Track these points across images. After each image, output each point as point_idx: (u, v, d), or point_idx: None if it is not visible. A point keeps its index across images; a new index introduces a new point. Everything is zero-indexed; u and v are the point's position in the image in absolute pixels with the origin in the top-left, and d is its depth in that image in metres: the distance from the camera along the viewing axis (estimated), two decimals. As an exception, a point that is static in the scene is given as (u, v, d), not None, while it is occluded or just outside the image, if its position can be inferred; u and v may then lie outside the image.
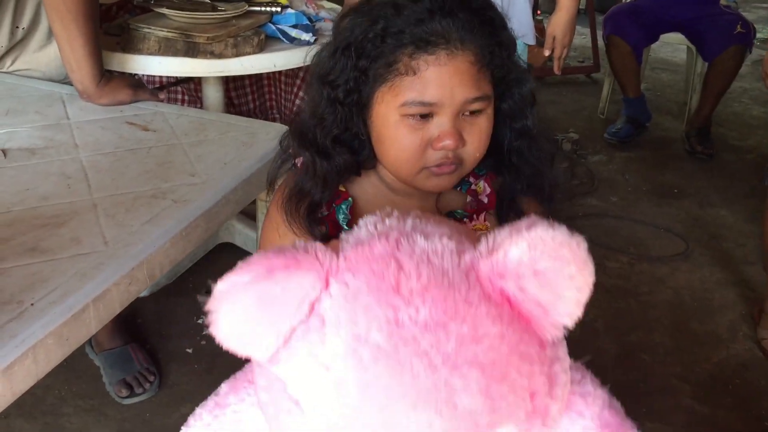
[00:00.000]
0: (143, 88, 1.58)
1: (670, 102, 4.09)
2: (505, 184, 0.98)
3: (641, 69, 3.56)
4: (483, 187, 0.99)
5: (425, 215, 0.71)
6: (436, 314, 0.60)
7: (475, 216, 0.97)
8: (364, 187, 0.98)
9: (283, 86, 2.93)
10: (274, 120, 2.99)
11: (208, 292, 1.92)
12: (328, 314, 0.62)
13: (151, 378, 1.93)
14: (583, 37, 4.79)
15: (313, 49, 0.97)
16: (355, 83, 0.89)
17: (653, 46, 3.69)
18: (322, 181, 0.93)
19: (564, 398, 0.67)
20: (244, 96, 2.94)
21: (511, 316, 0.63)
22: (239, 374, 0.82)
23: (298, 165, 0.98)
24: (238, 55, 1.90)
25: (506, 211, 0.97)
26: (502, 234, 0.64)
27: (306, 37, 1.99)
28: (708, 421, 1.92)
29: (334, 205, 0.96)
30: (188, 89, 2.85)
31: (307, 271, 0.62)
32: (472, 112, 0.88)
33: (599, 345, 2.18)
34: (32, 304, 0.93)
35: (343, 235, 0.70)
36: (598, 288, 2.00)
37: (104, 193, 1.19)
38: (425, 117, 0.86)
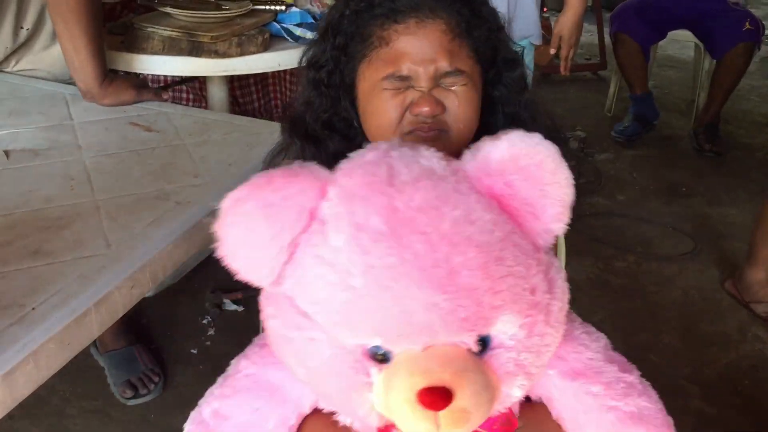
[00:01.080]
0: (147, 88, 1.57)
1: (677, 99, 4.06)
2: None
3: (648, 66, 3.54)
4: None
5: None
6: (429, 199, 0.64)
7: None
8: None
9: (288, 85, 2.92)
10: (278, 119, 2.98)
11: (213, 291, 1.92)
12: (327, 214, 0.66)
13: (156, 379, 1.92)
14: (590, 34, 4.76)
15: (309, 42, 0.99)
16: (335, 63, 0.91)
17: (660, 43, 3.66)
18: None
19: (565, 303, 0.70)
20: (249, 95, 2.93)
21: (502, 212, 0.67)
22: (248, 348, 0.85)
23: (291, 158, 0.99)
24: (242, 54, 1.89)
25: None
26: (484, 141, 0.69)
27: (311, 35, 1.97)
28: (717, 423, 1.90)
29: None
30: (193, 88, 2.84)
31: (304, 180, 0.66)
32: (451, 80, 0.88)
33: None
34: (34, 308, 0.92)
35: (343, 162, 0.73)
36: (606, 287, 1.98)
37: (107, 195, 1.18)
38: (404, 81, 0.88)
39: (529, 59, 2.66)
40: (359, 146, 0.94)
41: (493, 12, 0.93)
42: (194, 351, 2.08)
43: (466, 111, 0.90)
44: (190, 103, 2.88)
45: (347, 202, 0.66)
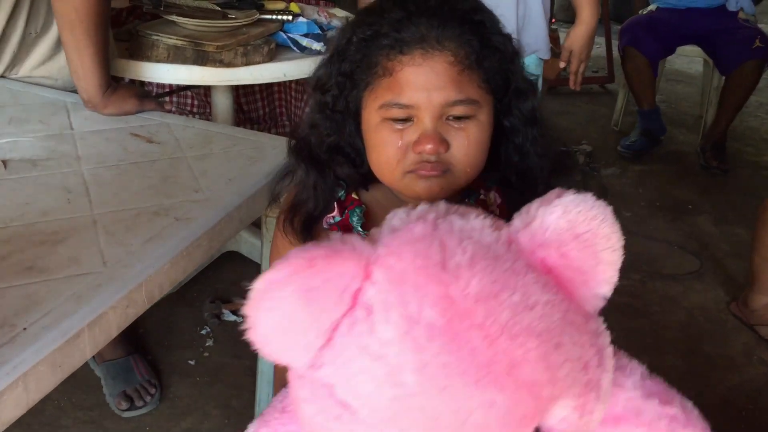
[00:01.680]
0: (149, 98, 1.55)
1: (685, 115, 4.03)
2: (510, 198, 0.95)
3: (656, 81, 3.52)
4: (493, 198, 0.96)
5: (451, 204, 0.71)
6: (486, 285, 0.60)
7: None
8: (376, 196, 0.96)
9: (293, 93, 2.90)
10: (283, 127, 2.96)
11: (213, 301, 1.89)
12: (374, 301, 0.60)
13: (152, 391, 1.90)
14: (598, 46, 4.72)
15: (319, 61, 0.96)
16: (340, 88, 0.89)
17: (668, 57, 3.64)
18: (313, 191, 0.93)
19: (611, 369, 0.67)
20: (254, 103, 2.91)
21: (556, 285, 0.63)
22: (268, 410, 0.80)
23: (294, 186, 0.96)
24: (247, 63, 1.87)
25: None
26: (534, 206, 0.65)
27: (317, 46, 1.95)
28: (720, 449, 1.87)
29: (347, 209, 0.94)
30: (198, 95, 2.82)
31: (346, 260, 0.61)
32: (458, 117, 0.85)
33: (609, 366, 2.13)
34: (25, 329, 0.90)
35: (373, 230, 0.69)
36: (609, 306, 1.94)
37: (105, 209, 1.16)
38: (405, 120, 0.85)
39: (537, 73, 2.64)
40: (365, 174, 0.92)
41: (506, 40, 0.89)
42: (192, 362, 2.06)
43: (474, 151, 0.86)
44: (195, 110, 2.87)
45: (398, 289, 0.60)
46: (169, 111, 2.87)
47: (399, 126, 0.85)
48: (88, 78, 1.42)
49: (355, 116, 0.90)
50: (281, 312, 0.59)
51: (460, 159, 0.86)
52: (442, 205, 0.68)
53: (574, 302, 0.64)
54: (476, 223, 0.65)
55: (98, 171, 1.27)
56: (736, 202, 3.09)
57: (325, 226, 0.94)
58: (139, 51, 1.83)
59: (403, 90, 0.83)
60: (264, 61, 1.89)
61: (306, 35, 1.96)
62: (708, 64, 3.59)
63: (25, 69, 1.65)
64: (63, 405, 1.89)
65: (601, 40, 4.40)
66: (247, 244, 2.42)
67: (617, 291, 2.34)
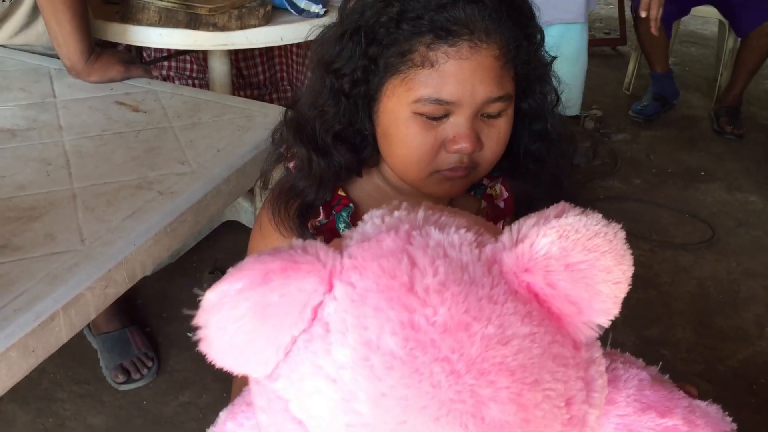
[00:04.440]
0: (135, 65, 1.49)
1: (698, 78, 3.92)
2: (521, 189, 0.88)
3: (670, 43, 3.41)
4: (499, 190, 0.89)
5: (438, 206, 0.64)
6: (456, 314, 0.53)
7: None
8: (366, 189, 0.88)
9: (294, 57, 2.82)
10: (285, 92, 2.89)
11: (212, 272, 1.82)
12: (332, 320, 0.55)
13: (149, 364, 1.86)
14: (610, 7, 4.61)
15: (319, 24, 0.86)
16: (363, 73, 0.79)
17: (683, 18, 3.52)
18: (318, 181, 0.84)
19: (602, 405, 0.60)
20: (254, 67, 2.83)
21: (541, 314, 0.56)
22: (237, 399, 0.75)
23: (291, 167, 0.88)
24: (242, 27, 1.79)
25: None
26: (528, 223, 0.57)
27: (316, 8, 1.87)
28: (730, 424, 1.82)
29: (333, 212, 0.86)
30: (196, 58, 2.74)
31: (308, 273, 0.55)
32: (492, 115, 0.78)
33: (616, 338, 2.04)
34: (-5, 312, 0.85)
35: (346, 232, 0.62)
36: None
37: (85, 183, 1.11)
38: (441, 106, 0.77)
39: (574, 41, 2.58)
40: (367, 159, 0.85)
41: (539, 28, 0.82)
42: (190, 334, 2.01)
43: (502, 148, 0.80)
44: (195, 74, 2.79)
45: (357, 310, 0.54)
46: (168, 76, 2.81)
47: (432, 121, 0.77)
48: (69, 44, 1.35)
49: (370, 101, 0.81)
50: (236, 331, 0.54)
51: (488, 157, 0.80)
52: (421, 213, 0.60)
53: (562, 332, 0.57)
54: (455, 238, 0.57)
55: (80, 142, 1.22)
56: (751, 169, 3.00)
57: (310, 230, 0.87)
58: (130, 14, 1.76)
59: (445, 84, 0.75)
60: (260, 25, 1.81)
61: (304, -3, 1.88)
62: (723, 25, 3.48)
63: (2, 38, 1.58)
64: (59, 378, 1.86)
65: (613, 1, 4.27)
66: (247, 213, 2.37)
67: (626, 263, 2.24)
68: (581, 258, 0.54)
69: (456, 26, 0.74)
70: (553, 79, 0.84)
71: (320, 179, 0.84)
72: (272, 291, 0.53)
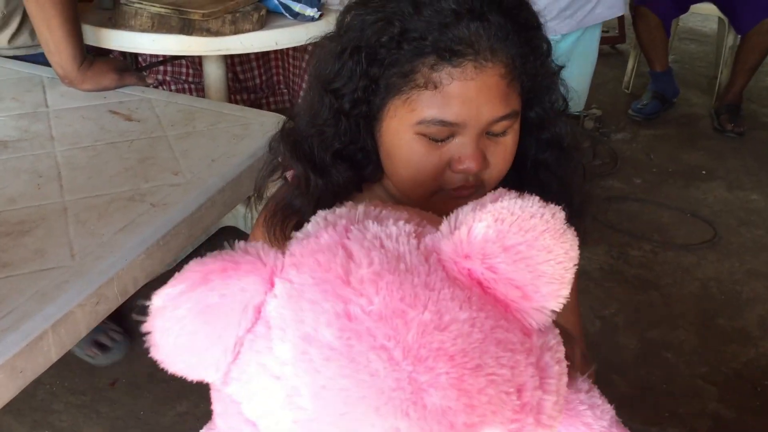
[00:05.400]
0: (129, 72, 1.46)
1: (698, 76, 3.90)
2: None
3: (669, 41, 3.39)
4: None
5: (384, 203, 0.64)
6: (391, 302, 0.54)
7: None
8: (368, 201, 0.86)
9: (291, 60, 2.79)
10: (281, 96, 2.86)
11: None
12: (273, 317, 0.56)
13: (119, 330, 1.91)
14: (608, 5, 4.58)
15: (315, 28, 0.83)
16: (364, 93, 0.77)
17: (682, 15, 3.50)
18: (315, 200, 0.81)
19: (561, 392, 0.60)
20: (250, 71, 2.81)
21: (484, 300, 0.57)
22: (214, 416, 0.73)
23: (288, 178, 0.85)
24: (236, 32, 1.77)
25: None
26: (465, 210, 0.58)
27: (311, 12, 1.85)
28: (733, 427, 1.81)
29: None
30: (192, 62, 2.72)
31: (248, 272, 0.56)
32: (502, 130, 0.76)
33: (618, 341, 2.07)
34: (-18, 332, 0.83)
35: (295, 233, 0.62)
36: (619, 278, 1.84)
37: (77, 195, 1.08)
38: (446, 127, 0.74)
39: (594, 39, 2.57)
40: (369, 176, 0.82)
41: (545, 39, 0.80)
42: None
43: (509, 162, 0.78)
44: (191, 79, 2.77)
45: (294, 304, 0.55)
46: (164, 80, 2.78)
47: (437, 142, 0.75)
48: (61, 51, 1.33)
49: (371, 119, 0.79)
50: (179, 332, 0.54)
51: (495, 175, 0.78)
52: (361, 208, 0.61)
53: (508, 318, 0.57)
54: (393, 229, 0.58)
55: (72, 152, 1.19)
56: (752, 167, 2.98)
57: None
58: (122, 20, 1.74)
59: (450, 105, 0.73)
60: (254, 29, 1.79)
61: (298, 0, 1.85)
62: (723, 22, 3.46)
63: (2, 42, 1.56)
64: (55, 389, 1.84)
65: (611, -1, 4.24)
66: (245, 218, 2.35)
67: (628, 262, 2.27)
68: (518, 239, 0.55)
69: (460, 46, 0.72)
70: (561, 87, 0.82)
71: (317, 198, 0.81)
72: (212, 291, 0.54)
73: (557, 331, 0.60)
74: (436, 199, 0.78)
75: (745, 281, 2.31)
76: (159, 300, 0.55)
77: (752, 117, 3.38)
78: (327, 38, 0.81)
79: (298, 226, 0.82)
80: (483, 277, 0.56)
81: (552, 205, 0.57)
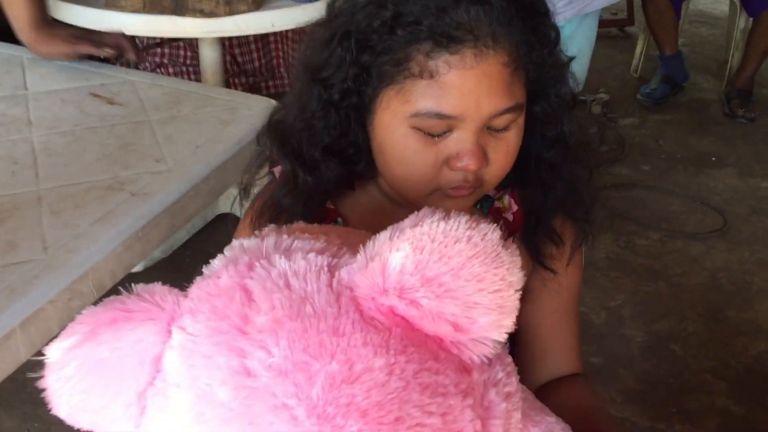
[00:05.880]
0: (85, 40, 1.41)
1: (708, 60, 3.82)
2: (533, 200, 0.80)
3: (679, 24, 3.31)
4: (507, 202, 0.81)
5: (306, 227, 0.59)
6: (293, 354, 0.48)
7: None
8: (360, 200, 0.80)
9: (291, 43, 2.73)
10: (281, 80, 2.80)
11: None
12: (169, 371, 0.51)
13: None
14: (616, -13, 4.49)
15: (314, 9, 0.77)
16: (355, 82, 0.71)
17: (693, -2, 3.43)
18: (304, 199, 0.76)
19: (514, 429, 0.54)
20: (249, 54, 2.74)
21: (408, 340, 0.50)
22: None
23: (276, 174, 0.80)
24: (231, 13, 1.71)
25: (536, 233, 0.79)
26: (382, 237, 0.51)
27: (307, -8, 1.78)
28: (743, 424, 1.76)
29: None
30: (190, 44, 2.66)
31: (141, 322, 0.51)
32: (505, 125, 0.70)
33: (624, 333, 2.01)
34: (-56, 331, 0.78)
35: (205, 268, 0.56)
36: (626, 268, 1.76)
37: (52, 184, 1.03)
38: (443, 120, 0.69)
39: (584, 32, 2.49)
40: (361, 172, 0.76)
41: (554, 26, 0.74)
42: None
43: (511, 161, 0.72)
44: (188, 61, 2.71)
45: (188, 359, 0.49)
46: (162, 63, 2.72)
47: (434, 137, 0.69)
48: (16, 7, 1.31)
49: (362, 111, 0.73)
50: (71, 391, 0.50)
51: (495, 173, 0.72)
52: (271, 239, 0.54)
53: (439, 356, 0.50)
54: (301, 264, 0.51)
55: (50, 138, 1.14)
56: (764, 154, 2.91)
57: None
58: (113, 1, 1.67)
59: (448, 97, 0.67)
60: (249, 10, 1.73)
61: (295, -21, 1.79)
62: (734, 4, 3.38)
63: None
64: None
65: (620, -19, 4.16)
66: (243, 205, 2.29)
67: (635, 251, 2.20)
68: (441, 269, 0.48)
69: (458, 32, 0.66)
70: (570, 80, 0.75)
71: (307, 196, 0.76)
72: (100, 345, 0.50)
73: (507, 359, 0.54)
74: (432, 199, 0.72)
75: (755, 271, 2.25)
76: (52, 355, 0.51)
77: (764, 102, 3.31)
78: (317, 24, 0.75)
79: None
80: (405, 314, 0.49)
81: (483, 225, 0.50)
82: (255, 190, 0.85)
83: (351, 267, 0.51)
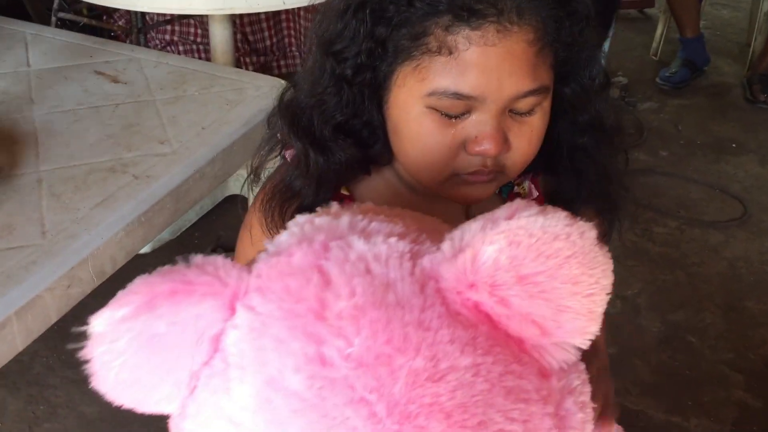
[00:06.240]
0: None
1: (730, 43, 3.73)
2: (560, 188, 0.76)
3: (701, 5, 3.23)
4: (528, 189, 0.77)
5: (377, 208, 0.54)
6: (375, 345, 0.45)
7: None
8: (376, 187, 0.76)
9: (302, 22, 2.68)
10: (293, 59, 2.75)
11: (215, 249, 1.68)
12: (232, 352, 0.47)
13: None
14: (636, -33, 4.40)
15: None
16: (369, 57, 0.67)
17: (715, -21, 3.34)
18: (315, 181, 0.72)
19: None
20: (260, 32, 2.69)
21: (492, 339, 0.47)
22: None
23: (287, 157, 0.76)
24: (240, -11, 1.66)
25: None
26: (473, 227, 0.47)
27: (320, -32, 1.73)
28: (761, 418, 1.72)
29: None
30: (201, 22, 2.61)
31: (202, 296, 0.47)
32: (529, 108, 0.66)
33: (640, 323, 1.97)
34: (-65, 319, 0.75)
35: (266, 244, 0.52)
36: (643, 257, 1.70)
37: (53, 165, 1.00)
38: (462, 100, 0.64)
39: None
40: (377, 155, 0.72)
41: (587, 3, 0.69)
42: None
43: (534, 147, 0.68)
44: (199, 39, 2.66)
45: (257, 341, 0.45)
46: (172, 41, 2.68)
47: (451, 119, 0.65)
48: None
49: (377, 87, 0.69)
50: (121, 366, 0.46)
51: (518, 160, 0.68)
52: (345, 219, 0.50)
53: (522, 359, 0.47)
54: (383, 248, 0.47)
55: (51, 117, 1.10)
56: (786, 140, 2.85)
57: None
58: (120, -24, 1.63)
59: (467, 75, 0.63)
60: (260, -14, 1.68)
61: (307, -45, 1.74)
62: (758, -14, 3.29)
63: None
64: (51, 362, 1.78)
65: (640, -39, 4.06)
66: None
67: (653, 240, 2.13)
68: (537, 268, 0.45)
69: (480, 5, 0.62)
70: (603, 61, 0.70)
71: (318, 179, 0.72)
72: (159, 319, 0.46)
73: (581, 366, 0.50)
74: (449, 184, 0.68)
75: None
76: (98, 325, 0.46)
77: (787, 87, 3.23)
78: None
79: (300, 210, 0.73)
80: (492, 312, 0.46)
81: (581, 223, 0.46)
82: (265, 174, 0.81)
83: (435, 255, 0.47)
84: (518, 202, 0.47)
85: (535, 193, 0.78)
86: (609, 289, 0.46)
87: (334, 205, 0.53)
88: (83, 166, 0.99)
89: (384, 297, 0.45)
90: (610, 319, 1.94)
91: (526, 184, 0.78)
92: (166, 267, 0.48)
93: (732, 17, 4.09)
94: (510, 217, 0.46)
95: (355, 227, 0.50)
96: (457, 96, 0.63)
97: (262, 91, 1.17)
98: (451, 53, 0.63)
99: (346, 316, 0.45)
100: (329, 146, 0.71)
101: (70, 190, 0.94)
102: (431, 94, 0.64)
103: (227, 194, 2.27)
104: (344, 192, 0.76)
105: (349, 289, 0.45)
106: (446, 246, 0.47)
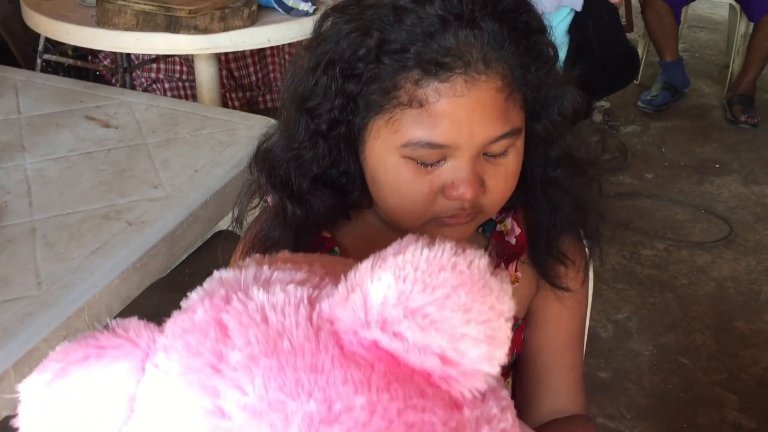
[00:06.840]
0: None
1: (709, 65, 3.79)
2: (538, 221, 0.76)
3: (679, 29, 3.28)
4: (510, 225, 0.78)
5: (290, 256, 0.55)
6: (268, 393, 0.45)
7: (502, 265, 0.75)
8: (357, 229, 0.77)
9: (287, 57, 2.70)
10: (279, 93, 2.77)
11: None
12: (141, 412, 0.48)
13: None
14: (614, -8, 4.47)
15: (310, 23, 0.74)
16: (342, 112, 0.68)
17: (691, 2, 3.39)
18: (294, 231, 0.72)
19: None
20: (245, 68, 2.72)
21: (391, 375, 0.47)
22: None
23: (269, 201, 0.76)
24: (226, 29, 1.69)
25: (541, 256, 0.76)
26: (364, 266, 0.48)
27: (304, 6, 1.76)
28: (756, 438, 1.72)
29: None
30: (186, 60, 2.63)
31: (113, 359, 0.48)
32: (502, 150, 0.67)
33: (632, 347, 1.98)
34: (-67, 375, 0.75)
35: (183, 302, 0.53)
36: (632, 279, 1.71)
37: (47, 214, 1.00)
38: (436, 149, 0.65)
39: (564, 27, 2.45)
40: (357, 201, 0.73)
41: (551, 44, 0.71)
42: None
43: (510, 186, 0.69)
44: (185, 76, 2.68)
45: (159, 398, 0.47)
46: (158, 78, 2.69)
47: (427, 166, 0.66)
48: None
49: (353, 140, 0.70)
50: (47, 428, 0.48)
51: (495, 198, 0.69)
52: (251, 270, 0.51)
53: (426, 392, 0.47)
54: (280, 297, 0.47)
55: (44, 165, 1.11)
56: (767, 159, 2.88)
57: None
58: (105, 18, 1.65)
59: (439, 126, 0.64)
60: (245, 26, 1.71)
61: (291, -6, 1.76)
62: (734, 9, 3.36)
63: None
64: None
65: (618, -14, 4.13)
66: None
67: (641, 262, 2.16)
68: (425, 300, 0.45)
69: (448, 58, 0.63)
70: (573, 93, 0.72)
71: (297, 229, 0.73)
72: (71, 386, 0.47)
73: (503, 393, 0.50)
74: (429, 227, 0.69)
75: (763, 281, 2.22)
76: (25, 389, 0.48)
77: (766, 107, 3.28)
78: (304, 48, 0.72)
79: None
80: (390, 348, 0.46)
81: (470, 251, 0.47)
82: (249, 219, 0.82)
83: (332, 299, 0.47)
84: (407, 238, 0.48)
85: (518, 230, 0.79)
86: (508, 314, 0.46)
87: (248, 260, 0.54)
88: (77, 213, 1.00)
89: (278, 344, 0.45)
90: (602, 343, 1.96)
91: (508, 221, 0.79)
92: (84, 334, 0.50)
93: (710, 39, 4.15)
94: (397, 253, 0.46)
95: (258, 279, 0.50)
96: (431, 145, 0.64)
97: (253, 131, 1.17)
98: (422, 106, 0.64)
99: (240, 366, 0.45)
100: (306, 198, 0.72)
101: (65, 239, 0.95)
102: (406, 144, 0.65)
103: (216, 230, 2.27)
104: (326, 234, 0.77)
105: (244, 340, 0.46)
106: (341, 287, 0.47)
